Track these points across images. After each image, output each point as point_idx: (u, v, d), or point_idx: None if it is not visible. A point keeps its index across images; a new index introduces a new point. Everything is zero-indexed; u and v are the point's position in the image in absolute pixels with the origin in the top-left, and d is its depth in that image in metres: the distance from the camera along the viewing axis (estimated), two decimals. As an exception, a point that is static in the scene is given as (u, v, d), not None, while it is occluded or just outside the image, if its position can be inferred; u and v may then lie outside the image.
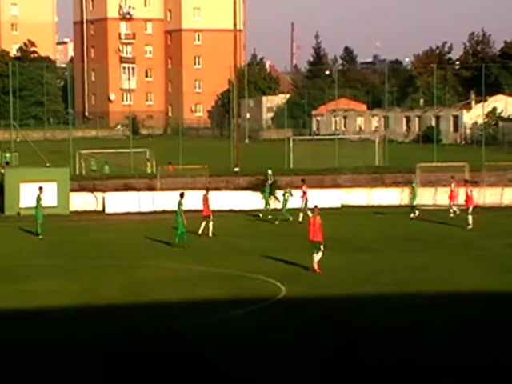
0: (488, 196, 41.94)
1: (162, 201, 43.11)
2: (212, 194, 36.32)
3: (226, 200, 43.05)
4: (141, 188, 44.81)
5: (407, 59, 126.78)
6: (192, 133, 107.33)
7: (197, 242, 31.88)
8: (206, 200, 34.25)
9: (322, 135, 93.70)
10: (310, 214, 34.19)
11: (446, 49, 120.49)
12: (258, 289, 23.85)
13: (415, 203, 38.61)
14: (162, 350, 17.82)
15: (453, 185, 38.91)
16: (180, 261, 28.31)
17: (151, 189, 44.70)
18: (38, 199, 34.35)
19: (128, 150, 55.41)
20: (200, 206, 35.55)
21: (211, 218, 33.67)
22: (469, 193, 35.57)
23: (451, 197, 38.58)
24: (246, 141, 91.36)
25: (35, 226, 33.96)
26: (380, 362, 16.66)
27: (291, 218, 37.34)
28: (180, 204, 31.59)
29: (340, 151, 57.32)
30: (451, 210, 38.19)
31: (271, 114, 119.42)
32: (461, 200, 37.40)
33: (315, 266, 25.68)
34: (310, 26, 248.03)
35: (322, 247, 25.75)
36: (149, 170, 53.25)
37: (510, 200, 43.21)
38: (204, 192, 35.28)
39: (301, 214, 36.90)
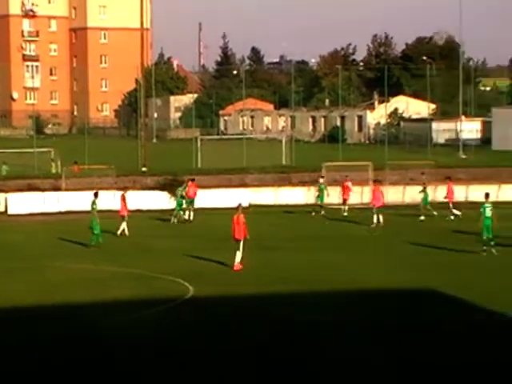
0: (390, 194, 42.93)
1: (68, 201, 42.49)
2: (118, 195, 36.03)
3: (133, 200, 42.69)
4: (45, 188, 44.04)
5: (313, 60, 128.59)
6: (98, 132, 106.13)
7: (106, 243, 31.58)
8: (123, 199, 34.09)
9: (230, 135, 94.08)
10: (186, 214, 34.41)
11: (351, 50, 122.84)
12: (166, 289, 23.82)
13: (322, 202, 39.34)
14: (68, 350, 17.62)
15: (348, 183, 40.01)
16: (88, 261, 28.01)
17: (56, 189, 44.00)
18: None
19: (32, 150, 54.33)
20: (108, 206, 35.23)
21: (125, 218, 33.53)
22: (375, 192, 36.38)
23: (345, 195, 39.65)
24: (154, 140, 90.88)
25: None
26: (288, 361, 16.90)
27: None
28: (94, 204, 31.31)
29: (247, 151, 57.71)
30: (343, 208, 39.33)
31: (179, 114, 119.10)
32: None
33: (238, 264, 25.90)
34: (217, 25, 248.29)
35: (241, 245, 25.98)
36: (53, 170, 52.40)
37: (412, 198, 44.34)
38: (122, 192, 35.10)
39: (187, 213, 37.46)
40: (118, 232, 33.36)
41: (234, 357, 17.10)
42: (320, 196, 40.18)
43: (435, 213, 37.29)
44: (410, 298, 22.52)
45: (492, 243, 27.82)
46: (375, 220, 35.62)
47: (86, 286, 24.13)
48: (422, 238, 31.81)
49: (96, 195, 31.78)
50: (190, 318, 20.58)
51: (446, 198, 38.03)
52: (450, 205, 37.66)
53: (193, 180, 39.82)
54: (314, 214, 39.16)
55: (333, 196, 42.73)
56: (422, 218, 36.91)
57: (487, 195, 28.41)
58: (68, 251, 30.62)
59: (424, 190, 38.10)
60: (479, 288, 23.07)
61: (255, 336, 18.76)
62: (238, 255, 26.08)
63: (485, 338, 18.27)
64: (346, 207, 39.78)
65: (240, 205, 27.03)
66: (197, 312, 21.23)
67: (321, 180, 40.62)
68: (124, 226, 33.51)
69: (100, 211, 32.89)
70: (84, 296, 22.94)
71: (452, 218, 36.98)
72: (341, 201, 40.28)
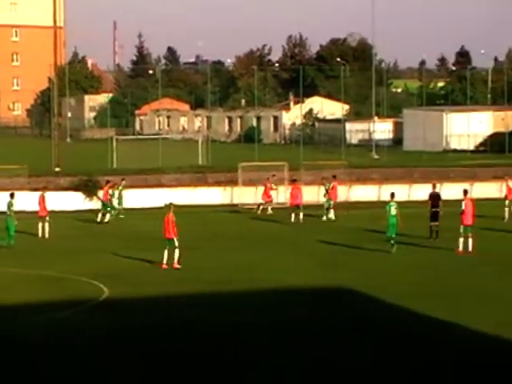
0: (305, 194, 43.45)
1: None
2: (31, 195, 35.50)
3: (46, 200, 42.03)
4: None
5: (229, 60, 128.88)
6: (10, 132, 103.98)
7: (19, 244, 31.01)
8: (42, 200, 33.56)
9: (146, 135, 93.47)
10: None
11: (266, 51, 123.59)
12: (80, 291, 23.58)
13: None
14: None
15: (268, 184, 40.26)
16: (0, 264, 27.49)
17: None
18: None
19: None
20: (21, 207, 34.61)
21: (47, 218, 33.02)
22: (293, 190, 36.82)
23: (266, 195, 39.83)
24: (68, 140, 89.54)
25: None
26: (192, 362, 16.98)
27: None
28: (10, 204, 30.72)
29: (164, 151, 57.51)
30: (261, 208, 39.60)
31: (94, 113, 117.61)
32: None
33: (165, 265, 25.90)
34: (133, 24, 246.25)
35: (176, 243, 25.97)
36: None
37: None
38: (40, 192, 34.51)
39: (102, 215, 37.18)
40: (40, 233, 32.92)
41: (143, 359, 17.09)
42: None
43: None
44: (326, 296, 22.86)
45: (392, 242, 28.35)
46: (293, 219, 36.06)
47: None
48: (337, 236, 32.34)
49: (12, 196, 31.20)
50: (104, 319, 20.43)
51: (325, 196, 38.25)
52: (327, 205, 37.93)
53: (107, 182, 39.45)
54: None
55: (248, 196, 43.04)
56: (324, 218, 37.29)
57: (392, 195, 29.10)
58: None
59: (327, 192, 38.39)
60: (393, 286, 23.62)
61: (168, 337, 18.78)
62: (166, 255, 26.12)
63: (398, 337, 18.75)
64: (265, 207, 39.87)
65: (171, 204, 26.98)
66: (111, 314, 21.09)
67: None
68: (46, 226, 33.04)
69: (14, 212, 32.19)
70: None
71: (325, 218, 37.23)
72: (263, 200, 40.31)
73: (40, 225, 33.20)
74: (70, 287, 24.00)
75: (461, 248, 28.10)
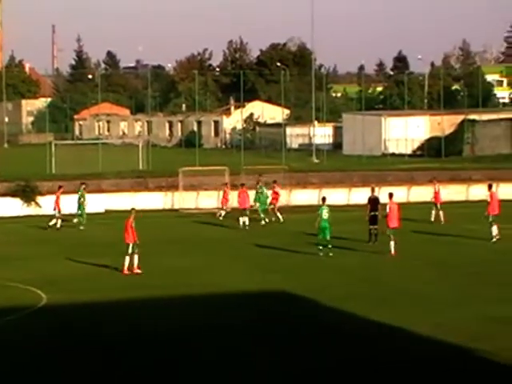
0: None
1: None
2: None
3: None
4: None
5: (169, 65, 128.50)
6: None
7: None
8: None
9: (85, 140, 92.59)
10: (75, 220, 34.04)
11: (207, 55, 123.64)
12: (17, 298, 23.27)
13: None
14: None
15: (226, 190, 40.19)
16: None
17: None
18: None
19: None
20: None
21: None
22: (242, 196, 36.94)
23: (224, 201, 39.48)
24: (5, 145, 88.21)
25: None
26: (136, 366, 16.95)
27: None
28: None
29: (104, 156, 57.05)
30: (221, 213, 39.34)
31: (31, 118, 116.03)
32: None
33: (126, 269, 25.94)
34: (71, 28, 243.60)
35: (136, 249, 26.08)
36: None
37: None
38: None
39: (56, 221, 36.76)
40: None
41: (80, 366, 16.96)
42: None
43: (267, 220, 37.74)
44: (262, 299, 23.00)
45: (330, 246, 28.72)
46: (241, 222, 36.12)
47: None
48: (279, 240, 32.52)
49: None
50: (41, 326, 20.20)
51: (271, 202, 38.57)
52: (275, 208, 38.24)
53: (60, 187, 38.89)
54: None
55: (189, 201, 42.98)
56: (263, 222, 37.49)
57: (324, 199, 29.67)
58: None
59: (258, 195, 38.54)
60: (329, 289, 23.87)
61: (109, 343, 18.68)
62: (127, 260, 26.17)
63: (339, 339, 18.96)
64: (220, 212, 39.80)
65: (133, 209, 27.18)
66: (49, 320, 20.87)
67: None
68: None
69: None
70: None
71: (263, 223, 37.31)
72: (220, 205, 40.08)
73: None
74: (7, 294, 23.64)
75: (393, 251, 28.59)
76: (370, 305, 21.59)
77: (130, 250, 26.22)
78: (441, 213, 36.78)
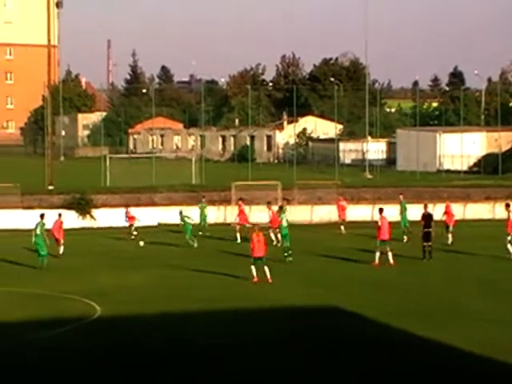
0: (299, 213, 43.47)
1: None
2: (23, 213, 35.53)
3: (38, 219, 41.98)
4: None
5: (223, 79, 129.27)
6: (3, 150, 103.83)
7: (16, 263, 30.91)
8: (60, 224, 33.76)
9: (139, 153, 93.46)
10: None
11: (260, 70, 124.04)
12: (72, 309, 23.49)
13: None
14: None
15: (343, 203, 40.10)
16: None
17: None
18: None
19: None
20: (13, 225, 34.52)
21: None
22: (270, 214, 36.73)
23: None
24: (61, 158, 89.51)
25: None
26: (183, 380, 16.92)
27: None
28: (42, 225, 30.47)
29: (157, 169, 57.50)
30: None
31: (87, 132, 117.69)
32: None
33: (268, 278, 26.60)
34: (127, 43, 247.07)
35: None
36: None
37: (320, 217, 45.00)
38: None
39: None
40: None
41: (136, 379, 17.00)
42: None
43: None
44: (309, 313, 22.83)
45: (290, 252, 30.56)
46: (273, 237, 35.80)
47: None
48: (319, 255, 32.31)
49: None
50: (94, 338, 20.35)
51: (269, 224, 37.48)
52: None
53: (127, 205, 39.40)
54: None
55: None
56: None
57: (280, 207, 32.21)
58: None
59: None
60: (375, 303, 23.60)
61: (158, 356, 18.71)
62: (254, 270, 26.78)
63: (389, 353, 18.71)
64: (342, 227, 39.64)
65: (257, 224, 28.42)
66: (102, 332, 21.01)
67: (401, 197, 39.05)
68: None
69: (6, 230, 32.17)
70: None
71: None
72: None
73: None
74: (62, 305, 23.90)
75: (377, 261, 29.63)
76: (416, 320, 21.30)
77: (262, 262, 26.78)
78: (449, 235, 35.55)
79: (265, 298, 24.49)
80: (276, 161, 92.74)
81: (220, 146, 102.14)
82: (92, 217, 43.28)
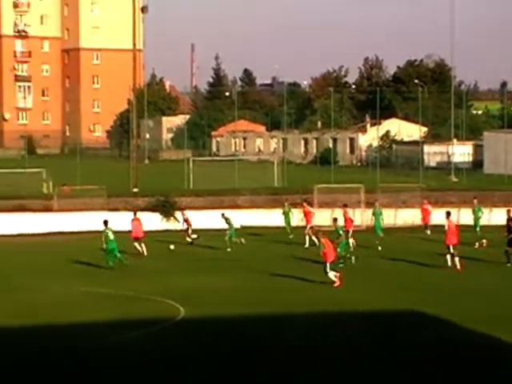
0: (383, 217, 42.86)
1: (59, 222, 42.33)
2: (110, 215, 36.11)
3: (124, 221, 42.64)
4: (37, 209, 43.88)
5: (305, 82, 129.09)
6: (90, 153, 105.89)
7: (95, 264, 31.45)
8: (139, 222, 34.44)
9: (222, 156, 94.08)
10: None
11: (343, 72, 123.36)
12: (156, 311, 23.71)
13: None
14: (52, 372, 17.49)
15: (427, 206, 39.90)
16: (76, 283, 27.87)
17: (48, 209, 43.83)
18: None
19: (23, 170, 54.21)
20: (99, 227, 35.10)
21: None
22: (350, 217, 36.40)
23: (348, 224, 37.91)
24: (146, 161, 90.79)
25: None
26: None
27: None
28: (110, 230, 31.23)
29: (239, 172, 57.74)
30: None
31: (171, 135, 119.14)
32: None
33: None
34: (210, 47, 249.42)
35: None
36: (45, 191, 52.19)
37: (404, 221, 44.37)
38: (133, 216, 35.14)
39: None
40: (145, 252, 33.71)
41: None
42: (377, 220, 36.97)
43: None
44: (395, 318, 22.48)
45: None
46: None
47: (74, 308, 24.00)
48: (403, 259, 31.80)
49: (106, 223, 31.64)
50: (177, 339, 20.47)
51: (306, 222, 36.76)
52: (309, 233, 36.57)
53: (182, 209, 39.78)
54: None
55: (324, 218, 42.74)
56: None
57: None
58: (55, 272, 30.48)
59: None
60: (461, 309, 23.04)
61: (243, 357, 18.67)
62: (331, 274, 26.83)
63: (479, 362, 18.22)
64: (428, 231, 39.37)
65: (320, 229, 28.76)
66: (185, 334, 21.12)
67: (376, 204, 38.45)
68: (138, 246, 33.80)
69: (92, 232, 32.67)
70: (70, 318, 22.81)
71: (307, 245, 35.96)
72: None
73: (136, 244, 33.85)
74: (147, 306, 24.15)
75: (450, 263, 29.46)
76: (501, 325, 20.72)
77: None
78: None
79: (345, 302, 24.23)
80: (359, 163, 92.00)
81: (302, 149, 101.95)
82: (176, 219, 43.67)
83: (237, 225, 43.19)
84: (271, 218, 45.08)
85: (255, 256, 34.36)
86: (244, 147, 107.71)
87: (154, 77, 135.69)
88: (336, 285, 26.51)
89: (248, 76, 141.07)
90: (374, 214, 37.60)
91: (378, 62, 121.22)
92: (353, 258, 31.66)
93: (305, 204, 39.20)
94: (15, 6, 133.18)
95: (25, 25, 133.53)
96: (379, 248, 35.28)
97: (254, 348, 19.60)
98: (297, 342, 20.00)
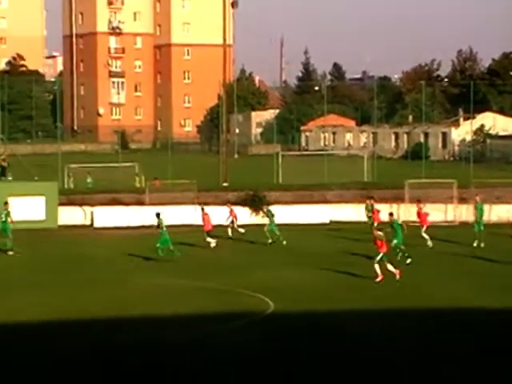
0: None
1: (151, 216, 42.95)
2: (199, 210, 36.46)
3: (214, 215, 42.95)
4: (129, 202, 44.66)
5: (396, 76, 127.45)
6: (181, 147, 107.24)
7: (184, 257, 31.79)
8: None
9: (311, 151, 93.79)
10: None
11: (435, 66, 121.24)
12: (246, 304, 23.78)
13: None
14: (146, 363, 17.73)
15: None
16: (167, 276, 28.23)
17: (140, 203, 44.56)
18: (7, 214, 33.83)
19: (117, 165, 55.27)
20: (189, 221, 35.44)
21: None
22: (423, 212, 35.72)
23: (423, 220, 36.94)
24: (235, 156, 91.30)
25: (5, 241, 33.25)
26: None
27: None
28: (161, 222, 31.75)
29: (328, 167, 57.40)
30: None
31: (260, 129, 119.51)
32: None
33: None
34: (299, 41, 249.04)
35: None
36: (137, 185, 53.09)
37: (498, 217, 43.30)
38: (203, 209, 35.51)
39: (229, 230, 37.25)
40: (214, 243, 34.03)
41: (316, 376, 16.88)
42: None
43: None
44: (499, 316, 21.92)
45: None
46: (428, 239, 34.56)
47: (164, 300, 24.31)
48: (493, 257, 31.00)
49: (158, 215, 32.05)
50: (266, 333, 20.48)
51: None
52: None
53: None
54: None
55: (415, 213, 42.11)
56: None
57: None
58: (146, 265, 30.95)
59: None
60: None
61: (335, 356, 18.51)
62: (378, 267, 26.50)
63: None
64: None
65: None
66: (274, 328, 21.10)
67: (477, 198, 37.02)
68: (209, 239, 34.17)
69: (181, 226, 32.92)
70: (161, 310, 23.11)
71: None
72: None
73: (210, 238, 34.11)
74: (236, 300, 24.26)
75: None
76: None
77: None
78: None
79: (433, 298, 23.77)
80: (451, 158, 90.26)
81: (393, 144, 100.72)
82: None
83: (326, 219, 43.01)
84: (360, 212, 44.67)
85: (346, 251, 34.06)
86: (333, 142, 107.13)
87: (244, 72, 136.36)
88: (378, 279, 26.00)
89: (338, 70, 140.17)
90: (476, 208, 36.66)
91: (472, 55, 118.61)
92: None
93: (372, 201, 38.36)
94: (109, 3, 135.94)
95: (119, 22, 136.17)
96: (481, 245, 34.39)
97: (351, 345, 19.41)
98: (409, 340, 19.68)
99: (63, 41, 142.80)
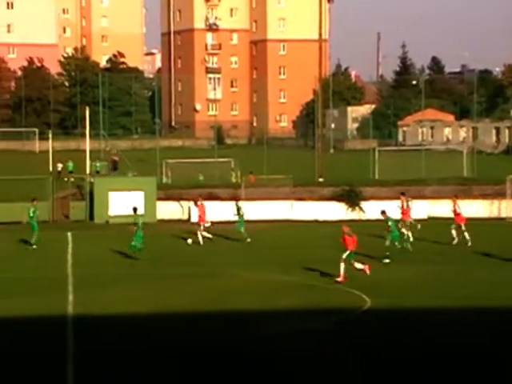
0: None
1: (246, 210, 43.15)
2: (296, 204, 36.42)
3: (310, 210, 42.85)
4: (225, 197, 44.98)
5: (497, 69, 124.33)
6: (276, 143, 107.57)
7: (278, 253, 31.81)
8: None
9: (408, 146, 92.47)
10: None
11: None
12: (342, 300, 23.62)
13: None
14: (231, 358, 17.78)
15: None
16: (262, 270, 28.28)
17: (236, 198, 44.80)
18: (35, 211, 34.03)
19: (213, 160, 55.81)
20: (284, 216, 35.32)
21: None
22: (457, 209, 34.52)
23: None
24: (331, 151, 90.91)
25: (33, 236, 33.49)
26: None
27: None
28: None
29: (426, 162, 56.42)
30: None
31: (356, 125, 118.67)
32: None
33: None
34: (396, 35, 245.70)
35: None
36: (233, 180, 53.45)
37: None
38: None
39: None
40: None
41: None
42: None
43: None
44: None
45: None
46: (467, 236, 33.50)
47: (257, 295, 24.34)
48: None
49: (135, 210, 31.25)
50: (369, 329, 20.28)
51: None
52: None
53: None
54: None
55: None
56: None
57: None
58: (242, 259, 31.09)
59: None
60: None
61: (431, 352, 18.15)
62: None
63: None
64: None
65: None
66: (375, 323, 20.88)
67: None
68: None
69: (278, 221, 32.78)
70: (255, 304, 23.16)
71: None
72: None
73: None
74: (331, 296, 24.11)
75: None
76: None
77: None
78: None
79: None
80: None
81: (494, 138, 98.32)
82: (361, 209, 43.35)
83: (424, 215, 42.28)
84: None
85: (439, 248, 33.41)
86: (431, 136, 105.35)
87: (340, 67, 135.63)
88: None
89: (436, 64, 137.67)
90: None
91: None
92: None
93: (403, 198, 36.99)
94: (207, 0, 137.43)
95: (216, 18, 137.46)
96: None
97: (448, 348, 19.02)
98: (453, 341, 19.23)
99: (161, 38, 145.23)
